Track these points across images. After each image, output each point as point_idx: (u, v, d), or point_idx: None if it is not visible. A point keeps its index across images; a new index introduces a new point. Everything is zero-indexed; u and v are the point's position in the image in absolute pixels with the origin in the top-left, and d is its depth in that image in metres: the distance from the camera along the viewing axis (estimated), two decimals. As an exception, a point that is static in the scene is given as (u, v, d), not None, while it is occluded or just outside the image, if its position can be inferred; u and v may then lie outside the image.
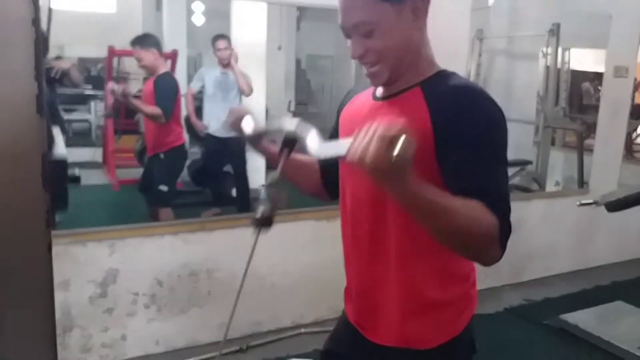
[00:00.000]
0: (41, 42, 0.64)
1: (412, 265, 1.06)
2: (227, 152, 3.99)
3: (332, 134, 1.20)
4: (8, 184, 0.64)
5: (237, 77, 3.86)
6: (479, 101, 0.97)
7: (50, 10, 1.73)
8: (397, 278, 1.07)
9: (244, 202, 4.04)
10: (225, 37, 3.97)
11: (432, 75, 1.03)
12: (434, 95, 0.99)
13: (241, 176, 4.09)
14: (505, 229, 0.89)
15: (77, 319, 2.36)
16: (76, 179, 1.00)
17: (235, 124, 1.17)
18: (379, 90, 1.10)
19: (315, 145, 0.93)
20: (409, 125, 0.78)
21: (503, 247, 0.90)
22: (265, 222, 0.95)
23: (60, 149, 0.68)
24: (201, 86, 4.01)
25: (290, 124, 1.00)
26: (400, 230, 1.04)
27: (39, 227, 0.68)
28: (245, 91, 3.90)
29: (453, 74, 1.05)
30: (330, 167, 1.20)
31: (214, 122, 3.91)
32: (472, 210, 0.85)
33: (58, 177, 0.68)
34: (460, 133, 0.93)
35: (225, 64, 3.91)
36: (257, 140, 1.19)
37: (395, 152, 0.75)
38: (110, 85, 3.70)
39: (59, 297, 2.25)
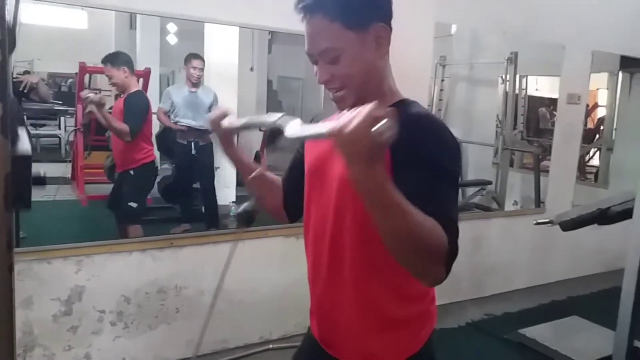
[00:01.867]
0: (6, 61, 0.62)
1: (370, 285, 1.07)
2: (197, 167, 4.03)
3: (297, 157, 1.24)
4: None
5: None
6: (435, 129, 1.01)
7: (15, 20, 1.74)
8: (356, 297, 1.09)
9: (212, 218, 4.06)
10: (200, 57, 4.01)
11: (392, 104, 1.05)
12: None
13: (209, 192, 4.12)
14: (452, 250, 0.88)
15: (39, 338, 2.32)
16: (41, 180, 1.00)
17: (216, 121, 1.17)
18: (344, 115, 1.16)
19: (296, 127, 0.92)
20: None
21: (448, 269, 0.89)
22: (247, 217, 0.97)
23: (25, 144, 0.68)
24: (171, 105, 4.03)
25: (273, 116, 1.00)
26: (358, 252, 1.06)
27: (1, 249, 0.66)
28: None
29: (414, 103, 1.08)
30: (293, 187, 1.23)
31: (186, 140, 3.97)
32: (427, 221, 0.85)
33: (21, 174, 0.69)
34: (416, 156, 0.96)
35: (194, 83, 3.97)
36: (231, 140, 1.20)
37: (375, 128, 0.76)
38: (86, 92, 3.66)
39: (20, 315, 2.23)
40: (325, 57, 1.04)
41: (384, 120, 0.77)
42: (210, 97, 4.05)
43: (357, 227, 1.06)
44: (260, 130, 1.05)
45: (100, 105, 3.28)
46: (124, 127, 3.18)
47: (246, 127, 1.13)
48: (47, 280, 2.31)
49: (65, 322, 2.37)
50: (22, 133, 0.95)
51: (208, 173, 4.09)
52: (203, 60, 4.00)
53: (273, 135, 1.01)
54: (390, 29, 1.07)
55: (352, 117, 0.78)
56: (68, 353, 2.39)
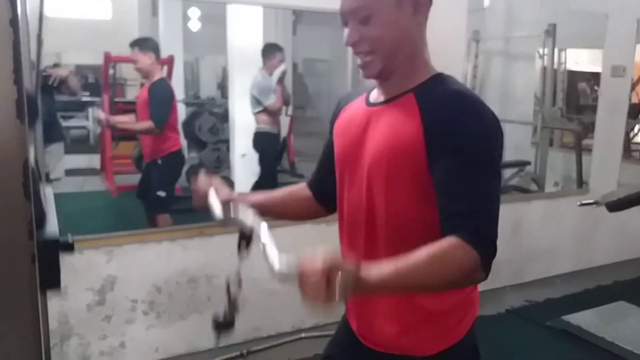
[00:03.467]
0: (19, 44, 0.60)
1: None
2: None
3: (328, 145, 1.19)
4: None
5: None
6: (471, 109, 0.95)
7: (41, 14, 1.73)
8: None
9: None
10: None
11: (426, 80, 1.01)
12: (427, 103, 0.97)
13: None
14: (487, 257, 0.88)
15: (75, 328, 2.35)
16: (70, 247, 0.98)
17: (202, 199, 1.13)
18: (373, 96, 1.09)
19: (267, 239, 0.91)
20: (401, 135, 0.80)
21: (487, 270, 0.89)
22: (227, 326, 0.96)
23: (52, 226, 0.65)
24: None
25: (247, 217, 0.99)
26: (393, 245, 1.02)
27: (21, 239, 0.64)
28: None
29: (448, 78, 1.02)
30: (328, 177, 1.18)
31: None
32: (442, 262, 0.86)
33: (50, 258, 0.68)
34: (450, 143, 0.92)
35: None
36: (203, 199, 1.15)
37: (337, 295, 0.77)
38: (97, 114, 3.77)
39: (55, 305, 2.26)
40: (357, 16, 0.98)
41: (338, 279, 0.77)
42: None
43: (389, 214, 1.02)
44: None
45: (110, 125, 3.32)
46: (148, 125, 3.17)
47: (224, 222, 1.07)
48: (80, 271, 2.32)
49: (99, 312, 2.39)
50: (50, 208, 0.96)
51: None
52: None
53: (247, 239, 0.97)
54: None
55: (309, 272, 0.78)
56: (103, 342, 2.41)
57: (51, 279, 0.77)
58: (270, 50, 3.97)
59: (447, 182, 0.93)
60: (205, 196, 1.12)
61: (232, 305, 0.94)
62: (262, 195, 1.23)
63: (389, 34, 0.98)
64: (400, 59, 1.00)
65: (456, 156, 0.91)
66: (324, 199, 1.22)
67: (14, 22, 0.59)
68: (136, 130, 3.28)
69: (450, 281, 0.88)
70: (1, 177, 0.62)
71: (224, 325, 0.94)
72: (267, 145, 4.01)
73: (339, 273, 0.77)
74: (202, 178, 1.15)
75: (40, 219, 0.79)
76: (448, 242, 0.87)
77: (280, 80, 3.96)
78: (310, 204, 1.25)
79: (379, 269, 0.84)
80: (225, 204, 1.07)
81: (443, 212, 0.93)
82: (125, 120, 3.47)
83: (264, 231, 0.93)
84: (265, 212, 1.18)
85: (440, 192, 0.93)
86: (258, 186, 3.87)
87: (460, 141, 0.92)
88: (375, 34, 0.98)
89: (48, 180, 2.97)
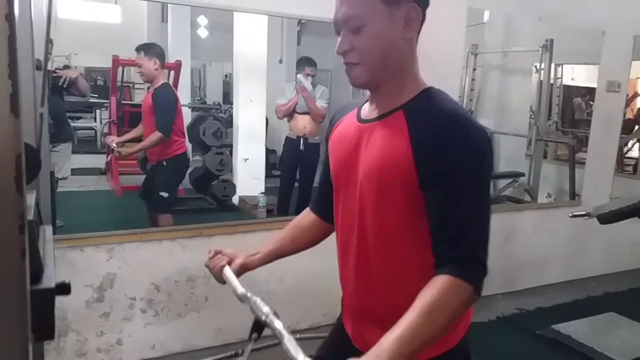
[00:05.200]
0: (15, 39, 0.61)
1: (397, 284, 1.05)
2: (302, 163, 4.11)
3: (325, 164, 1.21)
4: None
5: (308, 102, 4.00)
6: (460, 129, 0.94)
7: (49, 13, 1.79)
8: (383, 298, 1.07)
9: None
10: (312, 63, 4.09)
11: (416, 96, 1.02)
12: (415, 121, 0.97)
13: (307, 190, 4.12)
14: (479, 282, 0.91)
15: (72, 324, 2.37)
16: (67, 289, 1.00)
17: (219, 277, 1.18)
18: (364, 111, 1.09)
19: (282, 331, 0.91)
20: (391, 154, 0.83)
21: (479, 291, 0.92)
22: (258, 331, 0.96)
23: (49, 276, 0.67)
24: (286, 100, 4.06)
25: (261, 306, 0.98)
26: (381, 256, 1.04)
27: (12, 233, 0.63)
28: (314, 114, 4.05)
29: (437, 94, 1.02)
30: (329, 201, 1.18)
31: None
32: (441, 310, 0.87)
33: (46, 307, 0.70)
34: (440, 167, 0.92)
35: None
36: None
37: None
38: (109, 139, 3.87)
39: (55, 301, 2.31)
40: (349, 25, 1.00)
41: None
42: (319, 91, 4.10)
43: (379, 230, 1.04)
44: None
45: (119, 152, 3.40)
46: (156, 137, 3.22)
47: (241, 299, 1.07)
48: (80, 268, 2.37)
49: (97, 309, 2.43)
50: (49, 258, 0.94)
51: (311, 170, 4.07)
52: (315, 67, 4.08)
53: (259, 327, 0.98)
54: (424, 15, 1.03)
55: None
56: (100, 339, 2.45)
57: (44, 330, 0.76)
58: (302, 62, 4.09)
59: (436, 207, 0.93)
60: (221, 273, 1.16)
61: None
62: (272, 245, 1.25)
63: (378, 46, 0.98)
64: (388, 72, 1.01)
65: (445, 179, 0.91)
66: (330, 217, 1.21)
67: (9, 16, 0.60)
68: (148, 147, 3.33)
69: (452, 319, 0.90)
70: None
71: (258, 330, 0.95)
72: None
73: None
74: (215, 256, 1.20)
75: (38, 271, 0.78)
76: (440, 283, 0.89)
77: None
78: (318, 228, 1.26)
79: (388, 350, 0.84)
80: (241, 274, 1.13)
81: (434, 236, 0.94)
82: (134, 150, 3.49)
83: (279, 324, 0.93)
84: (281, 256, 1.23)
85: (431, 215, 0.95)
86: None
87: (449, 164, 0.91)
88: (365, 45, 0.98)
89: (54, 179, 3.05)
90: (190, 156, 4.12)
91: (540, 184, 4.48)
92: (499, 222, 3.01)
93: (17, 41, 0.61)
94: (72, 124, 6.83)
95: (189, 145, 4.00)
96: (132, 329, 2.51)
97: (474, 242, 0.92)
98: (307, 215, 1.29)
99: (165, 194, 3.33)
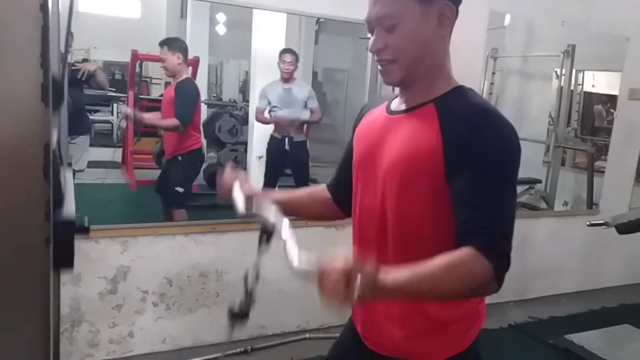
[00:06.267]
0: (48, 29, 0.61)
1: None
2: (290, 161, 4.09)
3: (348, 150, 1.21)
4: (7, 174, 0.62)
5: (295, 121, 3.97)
6: (492, 124, 0.95)
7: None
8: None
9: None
10: (292, 51, 3.99)
11: (448, 92, 1.02)
12: (447, 114, 0.98)
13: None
14: (501, 269, 0.89)
15: (86, 314, 2.40)
16: (86, 230, 1.02)
17: (227, 193, 1.17)
18: (394, 104, 1.10)
19: (287, 235, 0.94)
20: (419, 144, 0.80)
21: (500, 282, 0.91)
22: (242, 317, 0.96)
23: (70, 208, 0.67)
24: (267, 103, 4.00)
25: (270, 213, 1.00)
26: (400, 248, 1.04)
27: (38, 219, 0.64)
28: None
29: (470, 91, 1.03)
30: (346, 181, 1.19)
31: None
32: (459, 270, 0.87)
33: (65, 237, 0.70)
34: (470, 157, 0.92)
35: (287, 78, 3.94)
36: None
37: (355, 294, 0.78)
38: (124, 109, 3.84)
39: (69, 291, 2.32)
40: (383, 24, 1.00)
41: (358, 280, 0.78)
42: (304, 92, 4.03)
43: (400, 222, 1.03)
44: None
45: (138, 120, 3.39)
46: (173, 122, 3.24)
47: (247, 215, 1.10)
48: (95, 259, 2.39)
49: (110, 300, 2.45)
50: (69, 190, 0.96)
51: (302, 169, 4.08)
52: (295, 55, 3.97)
53: (268, 233, 0.99)
54: (457, 11, 1.02)
55: (329, 271, 0.80)
56: (112, 330, 2.47)
57: (65, 259, 0.77)
58: (282, 52, 4.01)
59: (464, 195, 0.93)
60: (229, 190, 1.15)
61: (249, 297, 0.95)
62: (284, 194, 1.26)
63: (413, 44, 0.99)
64: (422, 70, 1.01)
65: (475, 169, 0.92)
66: (341, 201, 1.24)
67: (44, 7, 0.61)
68: (162, 126, 3.36)
69: (464, 290, 0.89)
70: (22, 158, 0.63)
71: (239, 315, 0.95)
72: None
73: (359, 275, 0.78)
74: (228, 172, 1.19)
75: (59, 200, 0.79)
76: (464, 252, 0.88)
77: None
78: (328, 206, 1.27)
79: (396, 274, 0.84)
80: (249, 199, 1.10)
81: (459, 224, 0.93)
82: (151, 117, 3.56)
83: (285, 228, 0.95)
84: (286, 209, 1.21)
85: (458, 204, 0.94)
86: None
87: (480, 154, 0.92)
88: (399, 43, 0.99)
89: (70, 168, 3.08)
90: (205, 152, 4.14)
91: (557, 191, 4.42)
92: (514, 229, 2.96)
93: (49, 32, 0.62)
94: (90, 117, 6.93)
95: (203, 142, 4.01)
96: (143, 322, 2.52)
97: (500, 231, 0.92)
98: (322, 191, 1.29)
99: (180, 189, 3.34)
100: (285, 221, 0.96)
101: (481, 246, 0.88)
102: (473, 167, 0.92)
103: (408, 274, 0.85)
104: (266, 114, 4.00)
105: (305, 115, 3.99)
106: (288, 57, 3.90)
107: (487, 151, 0.92)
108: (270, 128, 4.10)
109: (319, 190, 1.30)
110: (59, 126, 1.11)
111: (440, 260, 0.87)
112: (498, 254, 0.89)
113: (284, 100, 3.96)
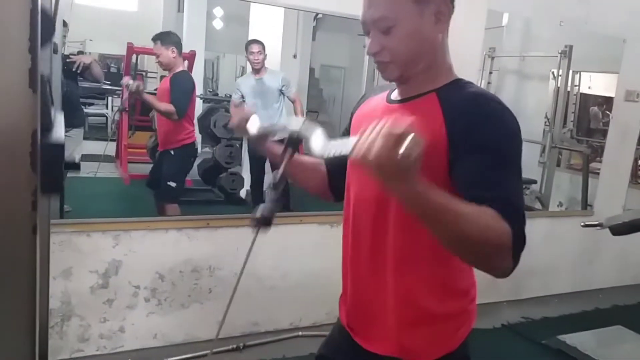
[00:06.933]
0: (37, 13, 0.60)
1: (410, 275, 1.04)
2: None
3: (344, 135, 1.18)
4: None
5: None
6: (495, 110, 0.95)
7: None
8: (394, 287, 1.05)
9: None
10: (258, 41, 3.91)
11: (448, 83, 1.02)
12: (449, 102, 0.97)
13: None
14: (519, 239, 0.85)
15: (76, 308, 2.37)
16: (76, 166, 1.01)
17: (241, 125, 1.19)
18: (394, 94, 1.09)
19: (320, 144, 0.90)
20: (420, 129, 0.74)
21: (516, 259, 0.86)
22: (264, 222, 0.94)
23: (59, 133, 0.67)
24: (241, 96, 3.95)
25: (295, 123, 0.99)
26: (401, 239, 1.03)
27: (24, 208, 0.63)
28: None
29: (470, 83, 1.03)
30: (337, 169, 1.19)
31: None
32: (483, 218, 0.81)
33: (54, 161, 0.68)
34: (475, 141, 0.91)
35: (257, 69, 3.89)
36: (262, 140, 1.20)
37: (401, 150, 0.71)
38: (126, 79, 3.76)
39: (60, 285, 2.29)
40: (379, 26, 0.99)
41: (409, 138, 0.72)
42: (277, 80, 3.95)
43: (401, 213, 1.01)
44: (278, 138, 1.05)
45: (138, 92, 3.34)
46: (169, 107, 3.22)
47: (269, 132, 1.13)
48: (86, 253, 2.37)
49: (101, 295, 2.43)
50: (59, 120, 0.94)
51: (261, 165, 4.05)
52: (261, 44, 3.90)
53: (293, 141, 0.98)
54: (453, 6, 1.02)
55: (373, 139, 0.74)
56: (103, 325, 2.45)
57: (53, 183, 0.73)
58: (248, 43, 3.96)
59: (474, 176, 0.90)
60: (244, 126, 1.18)
61: (273, 204, 0.94)
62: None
63: (410, 44, 0.98)
64: (421, 66, 1.01)
65: (483, 153, 0.90)
66: (333, 184, 1.24)
67: None
68: (157, 108, 3.30)
69: (483, 240, 0.81)
70: (9, 145, 0.61)
71: (261, 221, 0.93)
72: None
73: (409, 136, 0.72)
74: (237, 111, 1.21)
75: (48, 124, 0.76)
76: (491, 210, 0.83)
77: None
78: (322, 184, 1.27)
79: (433, 186, 0.80)
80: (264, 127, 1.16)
81: (474, 201, 0.87)
82: (150, 97, 3.51)
83: (318, 132, 0.92)
84: (300, 169, 1.23)
85: (467, 185, 0.90)
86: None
87: (487, 140, 0.91)
88: (396, 45, 0.98)
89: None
90: (200, 147, 4.10)
91: (552, 192, 4.43)
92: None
93: (38, 16, 0.60)
94: (84, 110, 6.87)
95: (198, 137, 3.99)
96: (134, 317, 2.50)
97: (515, 206, 0.88)
98: (321, 166, 1.28)
99: (173, 184, 3.32)
100: (318, 130, 0.94)
101: (502, 212, 0.84)
102: (482, 151, 0.90)
103: (442, 194, 0.80)
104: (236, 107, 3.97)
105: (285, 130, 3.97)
106: (255, 48, 3.84)
107: (495, 136, 0.91)
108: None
109: (318, 164, 1.29)
110: (50, 67, 1.08)
111: (469, 204, 0.83)
112: (519, 224, 0.86)
113: (255, 91, 3.92)
